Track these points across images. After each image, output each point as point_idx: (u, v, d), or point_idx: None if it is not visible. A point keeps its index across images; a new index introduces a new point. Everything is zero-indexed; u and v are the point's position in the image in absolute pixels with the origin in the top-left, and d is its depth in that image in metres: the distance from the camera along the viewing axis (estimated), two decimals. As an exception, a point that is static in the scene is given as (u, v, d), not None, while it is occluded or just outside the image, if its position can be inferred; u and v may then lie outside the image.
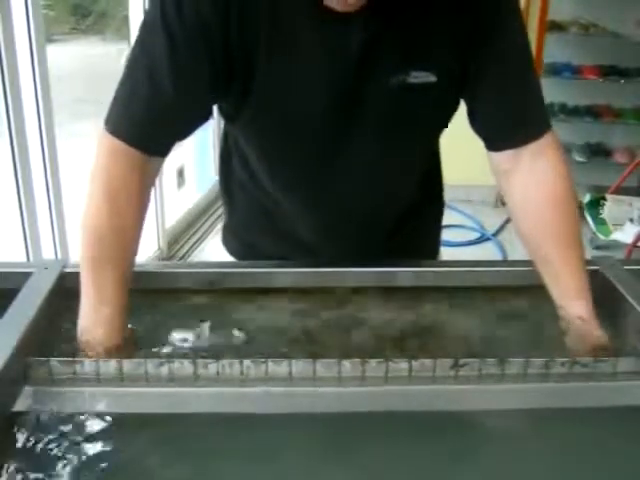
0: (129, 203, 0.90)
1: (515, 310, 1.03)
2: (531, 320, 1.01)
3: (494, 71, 0.94)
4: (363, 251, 1.08)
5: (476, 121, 0.99)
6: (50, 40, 2.10)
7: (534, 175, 0.95)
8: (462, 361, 0.77)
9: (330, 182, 1.02)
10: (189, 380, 0.77)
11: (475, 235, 3.94)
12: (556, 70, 3.99)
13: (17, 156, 1.89)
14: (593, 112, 4.12)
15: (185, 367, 0.77)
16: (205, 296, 1.01)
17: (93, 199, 0.89)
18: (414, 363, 0.77)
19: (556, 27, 3.96)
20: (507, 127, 0.97)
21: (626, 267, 1.02)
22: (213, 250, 1.23)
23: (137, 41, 0.89)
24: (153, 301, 0.99)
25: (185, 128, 0.95)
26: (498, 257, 3.58)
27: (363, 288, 1.03)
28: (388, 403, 0.78)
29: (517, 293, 1.04)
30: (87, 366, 0.77)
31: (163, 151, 0.94)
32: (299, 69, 0.90)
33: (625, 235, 3.47)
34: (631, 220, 3.53)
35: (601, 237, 3.58)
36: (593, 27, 3.94)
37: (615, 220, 3.62)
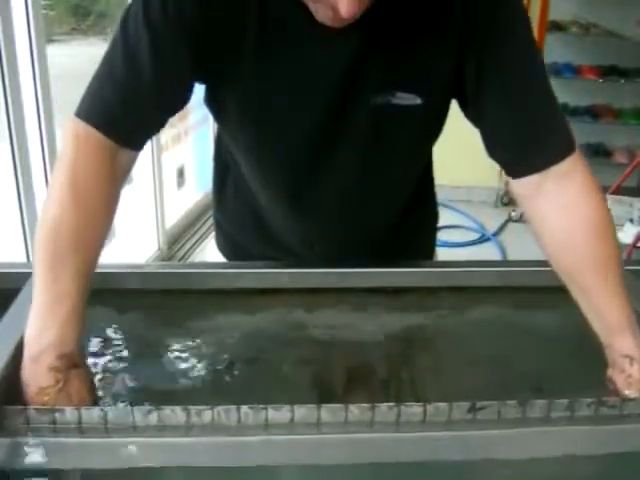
0: (95, 195, 0.82)
1: (514, 311, 1.03)
2: (531, 321, 1.01)
3: (498, 87, 0.87)
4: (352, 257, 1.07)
5: (490, 146, 0.92)
6: (50, 40, 2.10)
7: (562, 200, 0.86)
8: (479, 404, 0.71)
9: (314, 195, 1.01)
10: (181, 429, 0.69)
11: (475, 235, 3.94)
12: (556, 70, 3.99)
13: (17, 156, 1.89)
14: (593, 112, 4.12)
15: (177, 415, 0.69)
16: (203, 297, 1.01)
17: (56, 187, 0.82)
18: (428, 407, 0.70)
19: (556, 27, 3.97)
20: (524, 150, 0.88)
21: (626, 267, 1.02)
22: (214, 250, 1.24)
23: (117, 32, 0.87)
24: (153, 302, 0.99)
25: (157, 118, 0.90)
26: (498, 257, 3.58)
27: (357, 289, 1.02)
28: (400, 452, 0.71)
29: (517, 293, 1.04)
30: (68, 414, 0.68)
31: (133, 142, 0.88)
32: (283, 81, 0.89)
33: (625, 235, 3.46)
34: (631, 220, 3.53)
35: (601, 237, 3.57)
36: (593, 27, 3.94)
37: (615, 220, 3.59)
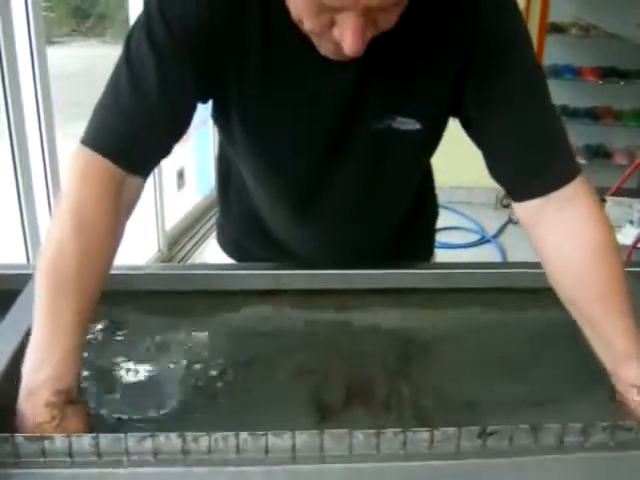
0: (100, 225, 0.80)
1: (515, 313, 1.03)
2: (531, 323, 1.01)
3: (498, 109, 0.87)
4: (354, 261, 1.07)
5: (491, 167, 0.91)
6: (50, 42, 2.10)
7: (563, 227, 0.85)
8: (490, 429, 0.67)
9: (315, 208, 1.02)
10: (177, 458, 0.65)
11: (475, 237, 3.94)
12: (556, 72, 4.00)
13: (17, 157, 1.89)
14: (593, 114, 4.13)
15: (172, 442, 0.65)
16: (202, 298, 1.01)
17: (59, 219, 0.79)
18: (436, 433, 0.67)
19: (556, 29, 3.97)
20: (525, 174, 0.87)
21: (626, 269, 1.02)
22: (213, 252, 1.24)
23: (120, 59, 0.85)
24: (153, 303, 0.99)
25: (164, 141, 0.87)
26: (498, 259, 3.58)
27: (357, 290, 1.02)
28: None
29: (517, 295, 1.04)
30: (58, 442, 0.65)
31: (142, 169, 0.86)
32: (285, 99, 0.88)
33: (625, 237, 3.47)
34: (631, 222, 3.53)
35: (601, 239, 3.57)
36: (593, 29, 3.95)
37: (615, 222, 3.62)
